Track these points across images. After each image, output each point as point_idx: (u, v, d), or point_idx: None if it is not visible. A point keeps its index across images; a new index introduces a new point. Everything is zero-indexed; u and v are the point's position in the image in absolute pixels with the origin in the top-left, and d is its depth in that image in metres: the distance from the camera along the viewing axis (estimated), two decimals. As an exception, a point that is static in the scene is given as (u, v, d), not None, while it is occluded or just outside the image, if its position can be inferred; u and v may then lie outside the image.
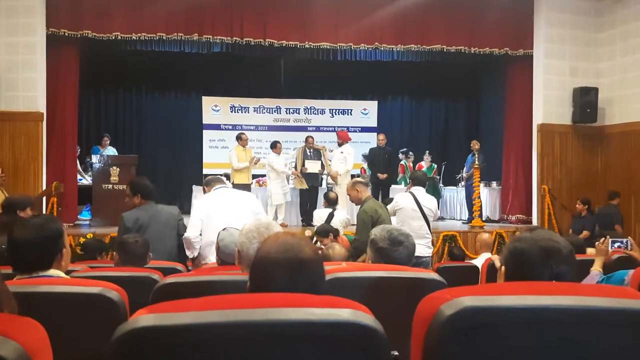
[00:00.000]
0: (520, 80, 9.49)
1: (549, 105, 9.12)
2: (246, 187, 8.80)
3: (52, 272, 2.06)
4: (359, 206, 5.12)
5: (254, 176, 9.44)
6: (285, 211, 8.98)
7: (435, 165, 10.53)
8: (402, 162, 10.63)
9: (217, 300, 1.17)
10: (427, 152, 10.77)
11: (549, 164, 9.15)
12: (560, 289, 1.27)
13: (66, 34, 8.13)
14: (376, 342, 1.16)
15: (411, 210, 5.24)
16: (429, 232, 5.30)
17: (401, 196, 5.54)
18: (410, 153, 10.81)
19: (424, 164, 10.54)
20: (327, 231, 5.60)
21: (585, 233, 7.58)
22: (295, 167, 9.08)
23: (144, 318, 1.11)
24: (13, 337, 1.04)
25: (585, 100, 8.91)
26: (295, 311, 1.14)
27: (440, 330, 1.19)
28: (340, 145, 9.11)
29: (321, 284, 1.42)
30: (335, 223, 6.24)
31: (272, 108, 12.34)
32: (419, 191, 5.39)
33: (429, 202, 5.40)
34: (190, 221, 4.26)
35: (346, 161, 8.84)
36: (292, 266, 1.36)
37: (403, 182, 9.95)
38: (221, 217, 4.01)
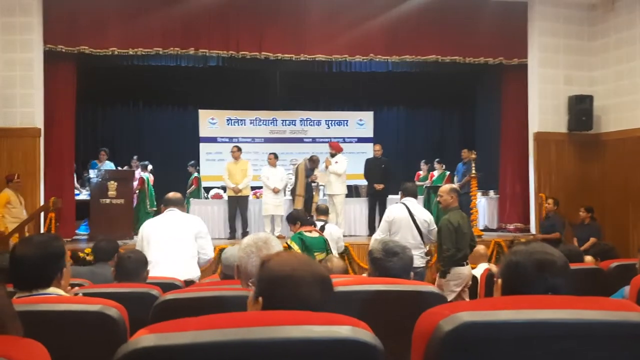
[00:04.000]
0: (515, 89, 9.55)
1: (545, 113, 9.18)
2: (243, 199, 8.86)
3: (52, 290, 2.06)
4: (444, 214, 5.12)
5: (252, 188, 9.44)
6: (282, 223, 8.98)
7: (448, 173, 10.26)
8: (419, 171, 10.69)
9: (217, 319, 1.18)
10: (437, 160, 10.59)
11: (546, 172, 9.18)
12: (556, 302, 1.29)
13: (63, 50, 8.18)
14: (375, 358, 1.17)
15: (404, 221, 5.25)
16: (422, 242, 5.30)
17: (393, 207, 5.55)
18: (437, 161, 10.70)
19: (436, 172, 10.47)
20: (294, 218, 5.69)
21: (592, 240, 7.59)
22: (296, 183, 8.98)
23: (145, 338, 1.12)
24: (15, 359, 1.05)
25: (581, 108, 8.96)
26: (295, 329, 1.15)
27: (440, 346, 1.20)
28: (332, 155, 9.13)
29: (332, 300, 1.45)
30: (326, 237, 6.02)
31: (268, 120, 12.39)
32: (411, 202, 5.40)
33: (422, 213, 5.40)
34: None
35: (339, 169, 8.84)
36: (321, 283, 1.39)
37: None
38: (160, 240, 4.13)
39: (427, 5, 8.77)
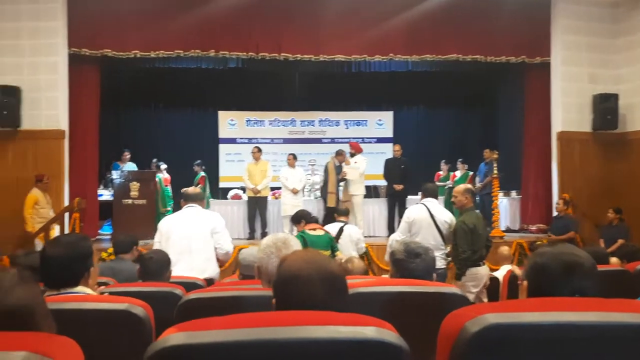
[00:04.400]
0: (538, 88, 9.43)
1: (568, 112, 9.05)
2: (262, 200, 8.91)
3: (80, 288, 2.10)
4: (459, 215, 5.10)
5: (271, 189, 9.49)
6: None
7: (471, 173, 10.10)
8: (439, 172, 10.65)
9: (243, 319, 1.20)
10: (460, 160, 10.45)
11: (570, 172, 9.05)
12: (584, 304, 1.27)
13: (87, 53, 8.33)
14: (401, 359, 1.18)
15: (424, 222, 5.20)
16: (443, 243, 5.25)
17: (413, 208, 5.48)
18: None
19: (458, 173, 10.35)
20: (298, 217, 5.68)
21: (620, 241, 7.46)
22: (326, 181, 8.96)
23: (174, 337, 1.15)
24: (50, 356, 1.08)
25: (605, 107, 8.82)
26: (320, 329, 1.16)
27: (465, 347, 1.20)
28: (352, 155, 9.12)
29: (347, 299, 1.44)
30: (345, 239, 5.98)
31: (287, 121, 12.43)
32: (432, 202, 5.36)
33: (442, 213, 5.35)
34: None
35: (359, 170, 8.83)
36: (327, 282, 1.37)
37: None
38: (179, 237, 4.18)
39: (447, 3, 8.71)
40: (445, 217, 5.29)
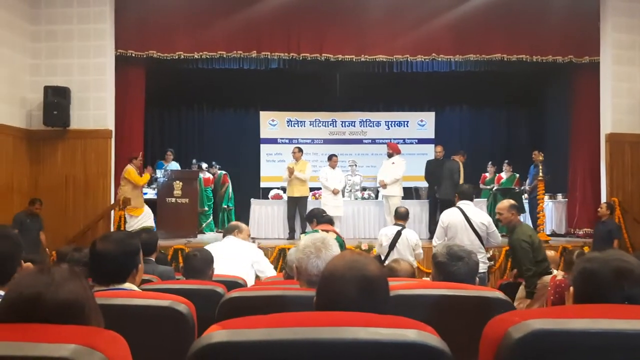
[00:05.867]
0: (586, 88, 9.16)
1: (619, 113, 8.75)
2: (303, 200, 8.92)
3: (127, 285, 2.16)
4: (510, 231, 4.97)
5: (311, 189, 9.51)
6: (341, 224, 8.99)
7: (517, 175, 9.81)
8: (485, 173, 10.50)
9: (286, 318, 1.21)
10: (507, 161, 10.20)
11: (619, 175, 8.74)
12: (634, 312, 1.23)
13: (133, 55, 8.56)
14: (443, 363, 1.16)
15: (460, 226, 5.11)
16: (482, 246, 5.14)
17: (448, 212, 5.39)
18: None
19: (504, 175, 10.12)
20: (311, 216, 5.57)
21: None
22: None
23: (218, 334, 1.17)
24: (99, 349, 1.12)
25: (658, 108, 8.50)
26: (362, 330, 1.16)
27: (509, 353, 1.17)
28: (390, 156, 9.05)
29: (387, 301, 1.43)
30: (401, 243, 5.72)
31: (327, 121, 12.44)
32: (467, 205, 5.25)
33: (479, 216, 5.24)
34: None
35: (396, 171, 8.76)
36: (360, 283, 1.37)
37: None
38: (218, 267, 4.20)
39: (492, 2, 8.56)
40: (482, 219, 5.19)
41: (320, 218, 5.48)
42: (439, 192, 8.71)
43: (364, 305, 1.33)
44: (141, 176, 8.26)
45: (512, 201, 5.23)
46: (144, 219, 8.11)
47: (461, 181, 8.56)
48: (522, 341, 1.16)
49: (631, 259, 1.45)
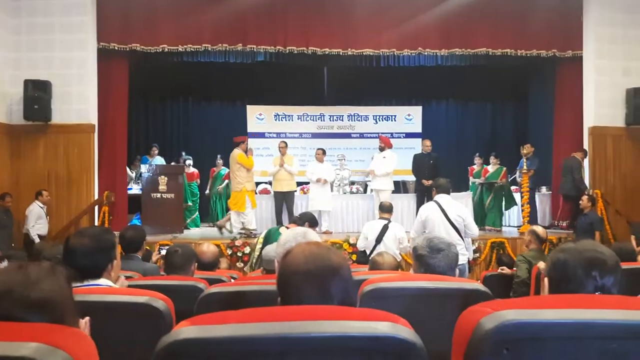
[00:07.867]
0: (569, 82, 9.22)
1: (601, 107, 8.82)
2: (290, 195, 8.89)
3: (102, 281, 2.13)
4: None
5: (299, 184, 9.48)
6: (329, 218, 8.98)
7: (504, 168, 9.61)
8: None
9: (255, 313, 1.19)
10: (493, 154, 10.05)
11: (602, 168, 8.82)
12: (605, 302, 1.23)
13: (116, 48, 8.46)
14: (415, 356, 1.15)
15: (437, 219, 5.11)
16: (460, 238, 5.10)
17: (425, 206, 5.39)
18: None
19: (491, 168, 10.10)
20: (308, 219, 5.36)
21: None
22: None
23: (186, 330, 1.15)
24: (62, 347, 1.09)
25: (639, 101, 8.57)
26: (333, 324, 1.15)
27: (480, 344, 1.17)
28: (382, 150, 9.04)
29: (353, 291, 1.38)
30: (388, 237, 5.72)
31: (315, 115, 12.39)
32: (444, 199, 5.26)
33: (455, 209, 5.21)
34: None
35: (387, 165, 8.76)
36: (325, 275, 1.31)
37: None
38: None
39: (476, -4, 8.57)
40: (459, 212, 5.17)
41: (296, 219, 5.38)
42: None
43: (331, 297, 1.29)
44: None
45: (534, 227, 5.28)
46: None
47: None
48: (494, 332, 1.15)
49: (604, 250, 1.45)
